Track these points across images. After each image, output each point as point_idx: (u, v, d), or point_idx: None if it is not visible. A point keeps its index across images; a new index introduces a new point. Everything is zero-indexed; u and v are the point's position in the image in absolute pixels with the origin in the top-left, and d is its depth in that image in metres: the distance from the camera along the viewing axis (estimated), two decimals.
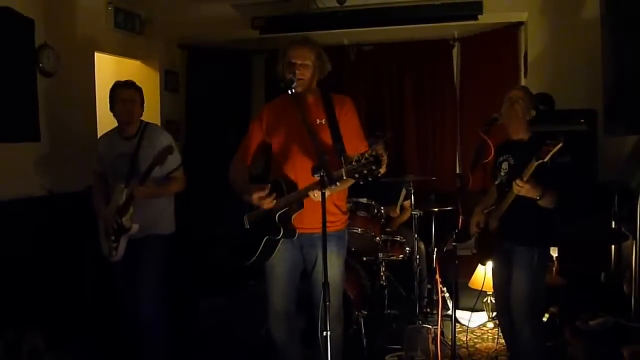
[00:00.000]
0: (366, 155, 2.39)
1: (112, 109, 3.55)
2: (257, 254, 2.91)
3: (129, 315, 3.56)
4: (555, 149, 2.79)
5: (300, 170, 2.86)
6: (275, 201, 2.79)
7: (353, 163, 2.43)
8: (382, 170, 2.52)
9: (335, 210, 2.98)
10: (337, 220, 3.00)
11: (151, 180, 3.36)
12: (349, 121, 2.94)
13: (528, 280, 3.15)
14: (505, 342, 3.61)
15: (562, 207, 3.03)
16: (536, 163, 2.85)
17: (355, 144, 2.85)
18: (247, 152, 3.09)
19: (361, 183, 2.49)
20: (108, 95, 3.57)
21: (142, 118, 3.63)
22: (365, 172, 2.39)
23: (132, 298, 3.47)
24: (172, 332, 3.65)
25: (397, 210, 4.89)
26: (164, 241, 3.58)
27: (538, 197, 2.97)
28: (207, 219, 4.69)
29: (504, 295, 3.33)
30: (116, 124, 3.64)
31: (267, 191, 2.78)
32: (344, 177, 2.49)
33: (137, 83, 3.68)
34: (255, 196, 2.79)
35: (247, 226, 2.98)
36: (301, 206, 2.84)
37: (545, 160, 2.82)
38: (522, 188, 2.93)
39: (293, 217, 2.86)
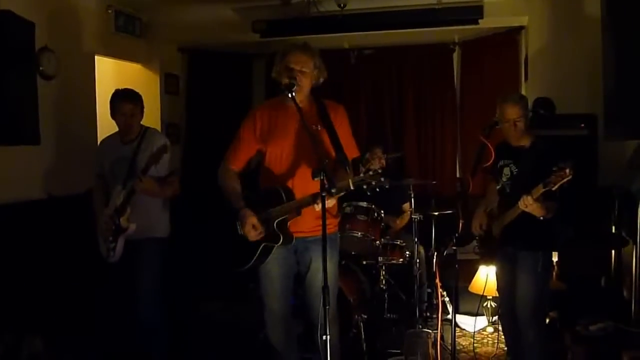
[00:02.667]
0: (374, 167, 2.41)
1: (112, 117, 3.59)
2: (253, 260, 2.90)
3: (127, 318, 3.56)
4: (564, 181, 2.78)
5: (298, 177, 2.86)
6: (261, 234, 2.84)
7: (362, 174, 2.44)
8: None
9: (329, 213, 2.96)
10: (329, 224, 2.98)
11: (151, 177, 3.38)
12: (342, 128, 2.94)
13: (533, 284, 3.16)
14: (506, 344, 3.61)
15: (560, 214, 3.04)
16: (543, 190, 2.84)
17: (348, 150, 2.87)
18: (239, 159, 3.06)
19: (368, 194, 2.49)
20: (109, 102, 3.58)
21: (142, 122, 3.64)
22: (373, 183, 2.40)
23: (131, 300, 3.48)
24: (171, 334, 3.65)
25: (398, 222, 4.90)
26: (161, 244, 3.59)
27: (541, 217, 2.98)
28: (206, 222, 4.70)
29: (508, 299, 3.33)
30: (115, 127, 3.67)
31: (260, 230, 2.81)
32: (352, 187, 2.50)
33: (137, 86, 3.71)
34: (248, 228, 2.82)
35: (241, 232, 2.94)
36: (299, 213, 2.83)
37: (554, 189, 2.81)
38: (529, 206, 2.92)
39: (289, 223, 2.87)
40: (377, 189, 2.43)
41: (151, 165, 3.34)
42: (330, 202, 2.58)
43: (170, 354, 3.65)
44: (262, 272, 3.01)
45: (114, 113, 3.55)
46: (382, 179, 2.39)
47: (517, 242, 3.21)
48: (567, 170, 2.76)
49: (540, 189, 2.86)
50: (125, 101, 3.53)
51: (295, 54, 2.87)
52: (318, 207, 2.65)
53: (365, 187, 2.43)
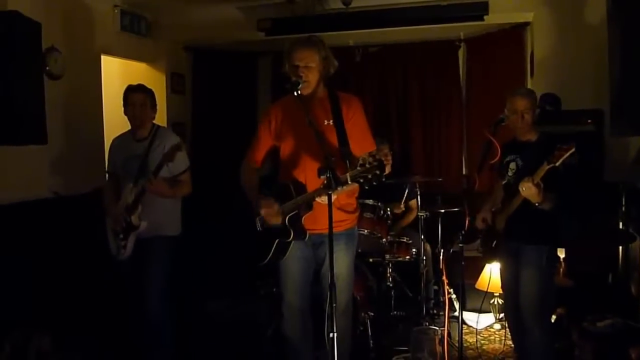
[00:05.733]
0: (369, 159, 2.39)
1: (125, 111, 3.62)
2: (269, 256, 2.96)
3: (135, 316, 3.58)
4: (567, 154, 2.80)
5: (309, 172, 2.86)
6: (280, 217, 2.86)
7: (358, 167, 2.43)
8: (387, 170, 2.53)
9: (343, 211, 2.99)
10: (346, 220, 3.01)
11: (162, 178, 3.41)
12: (356, 121, 2.94)
13: (537, 279, 3.15)
14: (513, 342, 3.60)
15: (561, 208, 3.03)
16: (548, 167, 2.85)
17: (362, 144, 2.86)
18: (257, 155, 3.12)
19: (366, 188, 2.49)
20: (122, 98, 3.62)
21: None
22: (369, 176, 2.40)
23: (139, 298, 3.50)
24: (178, 332, 3.66)
25: (402, 206, 4.87)
26: (170, 242, 3.61)
27: (537, 203, 2.98)
28: (213, 221, 4.71)
29: (512, 295, 3.32)
30: (122, 127, 3.71)
31: (275, 208, 2.84)
32: (349, 182, 2.50)
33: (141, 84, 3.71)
34: (263, 211, 2.86)
35: (259, 228, 3.00)
36: (310, 208, 2.85)
37: (557, 164, 2.82)
38: (529, 189, 2.92)
39: (303, 218, 2.88)
40: (375, 183, 2.42)
41: (164, 164, 3.36)
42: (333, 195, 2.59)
43: (177, 352, 3.66)
44: (281, 266, 3.05)
45: (125, 105, 3.59)
46: (378, 172, 2.38)
47: (521, 236, 3.20)
48: (570, 145, 2.79)
49: (544, 168, 2.87)
50: (135, 91, 3.58)
51: (299, 50, 2.87)
52: (320, 201, 2.70)
53: (361, 180, 2.43)
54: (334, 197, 2.49)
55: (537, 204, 2.98)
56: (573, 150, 2.80)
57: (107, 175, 3.80)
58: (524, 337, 3.25)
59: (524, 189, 2.93)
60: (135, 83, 3.70)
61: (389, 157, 4.78)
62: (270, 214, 2.85)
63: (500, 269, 3.50)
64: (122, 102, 3.62)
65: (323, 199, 2.66)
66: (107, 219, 3.63)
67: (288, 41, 2.99)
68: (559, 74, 4.85)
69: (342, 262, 2.94)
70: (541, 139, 3.22)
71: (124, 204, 3.50)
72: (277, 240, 2.92)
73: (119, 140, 3.76)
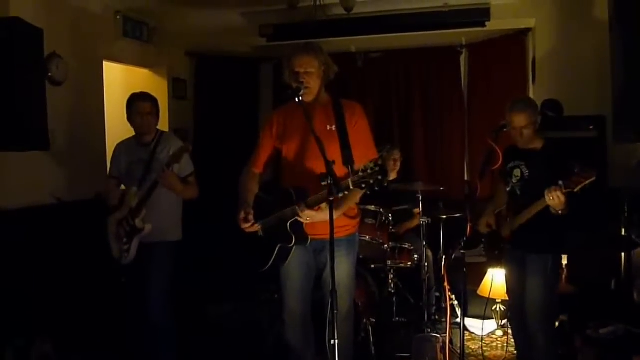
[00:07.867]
0: (371, 165, 2.40)
1: (129, 119, 3.63)
2: (271, 261, 2.95)
3: (135, 321, 3.58)
4: (587, 182, 2.74)
5: (312, 177, 2.85)
6: (254, 226, 2.93)
7: (360, 173, 2.43)
8: (394, 176, 2.53)
9: (345, 215, 2.98)
10: (347, 225, 3.01)
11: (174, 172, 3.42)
12: (359, 128, 2.94)
13: (543, 287, 3.15)
14: (516, 345, 3.58)
15: (573, 215, 3.00)
16: (565, 192, 2.80)
17: (365, 151, 2.86)
18: (259, 160, 3.13)
19: (368, 193, 2.49)
20: (126, 104, 3.63)
21: None
22: (371, 182, 2.40)
23: (140, 303, 3.50)
24: (179, 338, 3.66)
25: (407, 224, 4.89)
26: (172, 248, 3.61)
27: (559, 212, 2.92)
28: (216, 226, 4.71)
29: (517, 301, 3.32)
30: (124, 132, 3.72)
31: (244, 215, 2.90)
32: (351, 187, 2.49)
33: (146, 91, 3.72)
34: (239, 219, 2.92)
35: (261, 233, 3.00)
36: None
37: (575, 191, 2.78)
38: (558, 199, 2.82)
39: (305, 223, 2.87)
40: (377, 188, 2.42)
41: (172, 164, 3.38)
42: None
43: (179, 356, 3.65)
44: (283, 272, 3.05)
45: (131, 113, 3.60)
46: (380, 177, 2.38)
47: (527, 244, 3.20)
48: (591, 174, 2.73)
49: (563, 191, 2.81)
50: (143, 100, 3.60)
51: (299, 57, 2.89)
52: (322, 209, 2.70)
53: (363, 185, 2.43)
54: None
55: (559, 212, 2.91)
56: (593, 179, 2.73)
57: (108, 179, 3.80)
58: (529, 344, 3.24)
59: (552, 198, 2.83)
60: (137, 89, 3.72)
61: (398, 163, 4.83)
62: (243, 223, 2.92)
63: (506, 275, 3.49)
64: (124, 108, 3.63)
65: (323, 206, 2.65)
66: (109, 222, 3.63)
67: (290, 47, 3.01)
68: (561, 80, 4.85)
69: (343, 268, 2.94)
70: (547, 146, 3.19)
71: (127, 207, 3.51)
72: (278, 246, 2.92)
73: (123, 146, 3.77)
